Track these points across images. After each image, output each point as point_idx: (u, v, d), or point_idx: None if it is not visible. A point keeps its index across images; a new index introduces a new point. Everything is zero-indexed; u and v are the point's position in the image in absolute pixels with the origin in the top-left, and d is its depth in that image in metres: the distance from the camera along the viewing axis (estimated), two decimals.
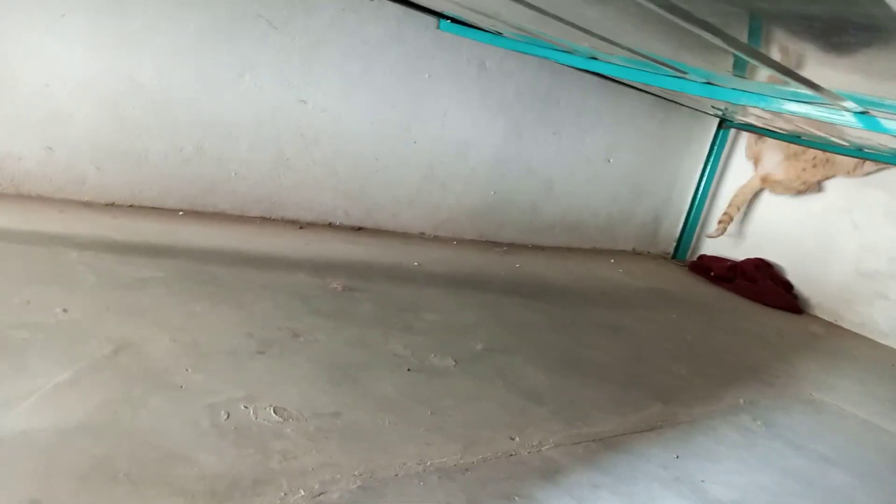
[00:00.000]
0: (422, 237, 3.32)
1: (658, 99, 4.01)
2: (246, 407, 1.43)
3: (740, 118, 3.78)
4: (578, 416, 1.85)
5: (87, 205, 2.40)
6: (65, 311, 1.63)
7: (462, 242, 3.47)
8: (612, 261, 4.13)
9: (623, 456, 1.69)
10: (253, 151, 2.68)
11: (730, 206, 4.41)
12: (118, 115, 2.37)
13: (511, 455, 1.55)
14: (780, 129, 3.46)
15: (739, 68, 1.59)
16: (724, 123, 4.41)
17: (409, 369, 1.83)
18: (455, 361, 1.97)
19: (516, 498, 1.38)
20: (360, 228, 3.08)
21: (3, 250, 1.88)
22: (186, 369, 1.51)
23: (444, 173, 3.28)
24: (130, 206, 2.49)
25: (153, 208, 2.53)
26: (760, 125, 3.80)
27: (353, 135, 2.90)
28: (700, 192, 4.56)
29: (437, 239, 3.38)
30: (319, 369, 1.68)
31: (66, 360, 1.41)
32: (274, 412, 1.43)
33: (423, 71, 2.99)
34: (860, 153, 3.39)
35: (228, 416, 1.38)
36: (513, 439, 1.61)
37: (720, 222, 4.42)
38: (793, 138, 3.87)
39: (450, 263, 3.06)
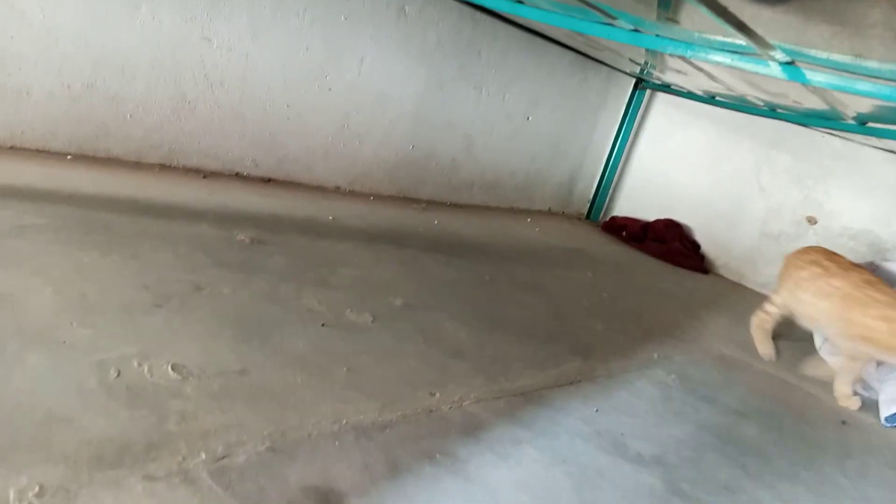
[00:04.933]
0: (337, 191, 3.17)
1: (578, 56, 3.97)
2: (140, 364, 1.28)
3: (658, 76, 3.79)
4: (500, 372, 1.80)
5: None
6: None
7: (379, 197, 3.35)
8: (529, 220, 4.11)
9: (544, 410, 1.65)
10: (150, 92, 2.45)
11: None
12: None
13: (431, 412, 1.47)
14: (699, 87, 3.49)
15: (664, 6, 1.53)
16: (640, 84, 4.44)
17: (323, 325, 1.72)
18: (373, 317, 1.87)
19: (437, 455, 1.30)
20: (269, 180, 2.90)
21: None
22: (71, 324, 1.35)
23: (361, 124, 3.13)
24: (11, 147, 2.23)
25: (37, 151, 2.28)
26: (677, 84, 3.83)
27: (263, 78, 2.70)
28: (614, 153, 4.59)
29: (352, 193, 3.24)
30: (224, 324, 1.55)
31: None
32: (172, 370, 1.30)
33: (340, 13, 2.82)
34: (773, 114, 3.47)
35: (119, 375, 1.23)
36: (433, 395, 1.54)
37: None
38: (707, 99, 3.93)
39: (367, 218, 2.93)
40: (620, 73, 4.31)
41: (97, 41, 2.28)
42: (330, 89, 2.93)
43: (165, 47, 2.42)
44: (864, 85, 1.65)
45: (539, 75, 3.88)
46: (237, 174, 2.80)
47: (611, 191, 4.70)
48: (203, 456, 1.08)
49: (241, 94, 2.66)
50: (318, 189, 3.08)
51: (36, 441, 1.01)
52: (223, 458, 1.09)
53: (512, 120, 3.88)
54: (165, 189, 2.39)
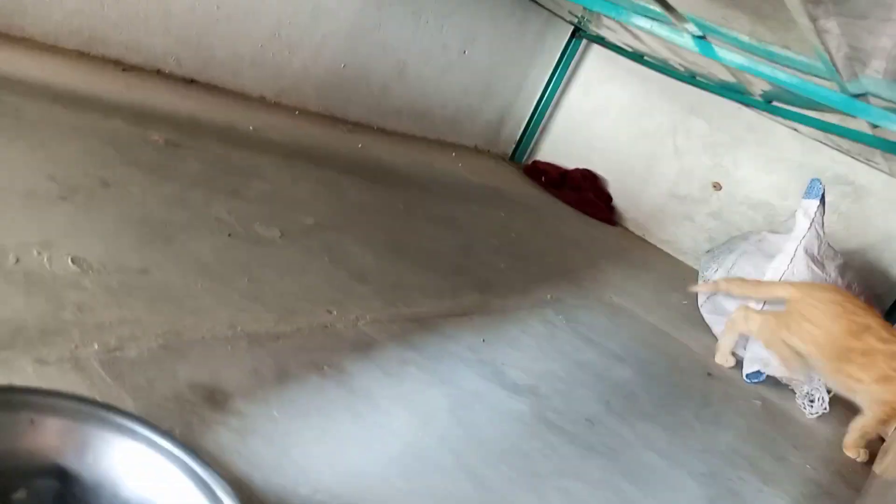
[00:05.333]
0: (262, 101, 3.13)
1: None
2: (39, 253, 1.30)
3: (594, 29, 3.86)
4: (399, 298, 1.89)
5: None
6: None
7: (305, 113, 3.32)
8: (454, 154, 4.17)
9: (435, 337, 1.77)
10: None
11: None
12: None
13: (327, 328, 1.56)
14: (628, 45, 3.58)
15: None
16: (577, 33, 4.49)
17: (230, 235, 1.76)
18: (282, 233, 1.92)
19: (326, 368, 1.40)
20: (192, 81, 2.83)
21: None
22: None
23: (293, 36, 3.08)
24: None
25: None
26: (610, 39, 3.91)
27: None
28: (545, 98, 4.67)
29: (278, 105, 3.20)
30: (129, 223, 1.57)
31: None
32: (72, 262, 1.32)
33: None
34: (693, 80, 3.61)
35: (18, 262, 1.25)
36: (331, 313, 1.62)
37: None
38: (636, 57, 4.03)
39: (289, 133, 2.92)
40: (559, 20, 4.34)
41: None
42: None
43: None
44: (764, 67, 1.78)
45: (479, 10, 3.87)
46: (158, 71, 2.72)
47: (537, 135, 4.80)
48: (95, 346, 1.13)
49: None
50: (242, 97, 3.03)
51: None
52: (115, 350, 1.14)
53: (448, 52, 3.88)
54: (81, 78, 2.31)
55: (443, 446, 1.36)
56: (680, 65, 3.13)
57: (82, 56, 2.48)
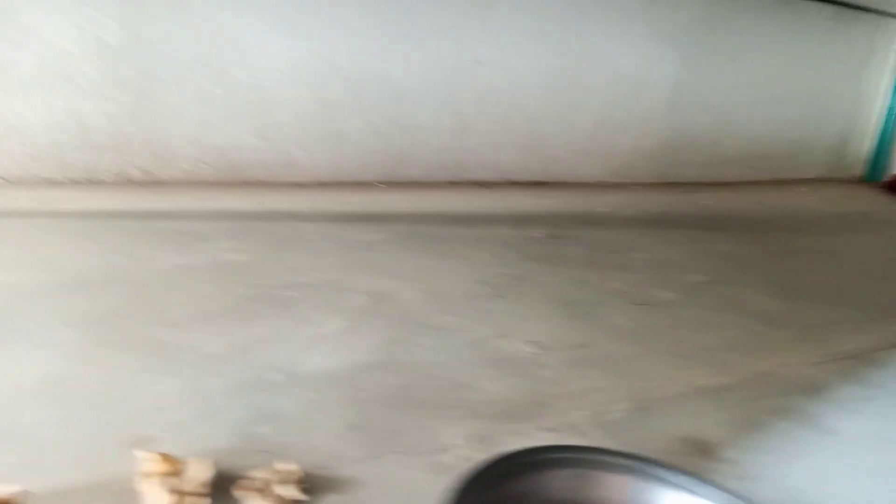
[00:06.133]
0: (601, 184, 3.29)
1: (837, 9, 3.70)
2: (501, 342, 1.49)
3: None
4: (820, 337, 1.77)
5: (299, 184, 2.59)
6: (317, 272, 1.78)
7: (643, 185, 3.40)
8: (800, 189, 3.88)
9: (883, 371, 1.61)
10: (436, 118, 2.77)
11: None
12: (320, 98, 2.53)
13: (767, 374, 1.51)
14: None
15: None
16: None
17: (635, 303, 1.84)
18: (677, 294, 1.95)
19: (790, 412, 1.35)
20: (540, 182, 3.10)
21: (250, 228, 2.08)
22: (438, 313, 1.61)
23: (618, 116, 3.22)
24: (336, 182, 2.65)
25: (355, 182, 2.68)
26: None
27: (527, 89, 2.91)
28: (891, 105, 4.17)
29: (617, 185, 3.33)
30: (553, 307, 1.73)
31: (337, 311, 1.55)
32: (528, 345, 1.49)
33: (590, 10, 2.94)
34: None
35: (489, 350, 1.45)
36: (764, 360, 1.58)
37: None
38: None
39: (637, 206, 3.01)
40: (889, 18, 3.92)
41: (392, 81, 2.63)
42: (586, 87, 3.06)
43: (445, 75, 2.72)
44: None
45: (796, 37, 3.67)
46: (511, 181, 3.03)
47: (891, 147, 4.27)
48: (581, 412, 1.24)
49: (509, 106, 2.89)
50: (583, 185, 3.22)
51: (452, 401, 1.24)
52: (599, 414, 1.24)
53: (769, 87, 3.71)
54: (459, 201, 2.68)
55: None
56: None
57: (452, 184, 2.88)
